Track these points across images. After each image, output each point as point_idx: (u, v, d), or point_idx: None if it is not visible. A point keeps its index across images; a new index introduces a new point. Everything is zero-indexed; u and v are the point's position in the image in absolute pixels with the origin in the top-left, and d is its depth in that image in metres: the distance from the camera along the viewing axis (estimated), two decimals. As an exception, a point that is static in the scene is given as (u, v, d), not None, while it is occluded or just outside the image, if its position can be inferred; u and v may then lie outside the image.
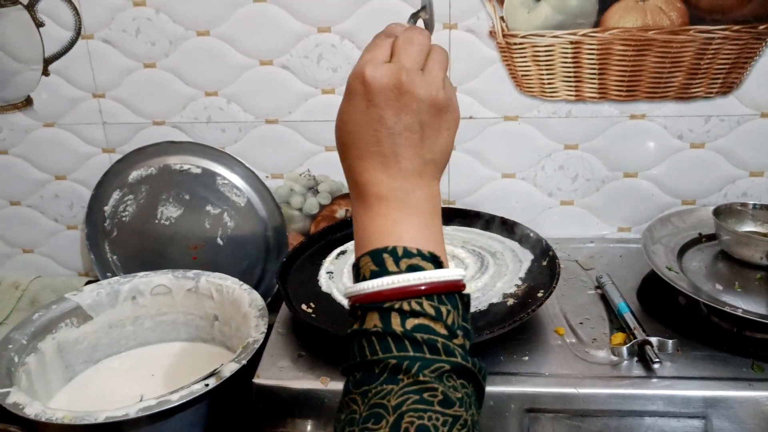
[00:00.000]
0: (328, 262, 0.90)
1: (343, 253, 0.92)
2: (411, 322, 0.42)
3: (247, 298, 0.88)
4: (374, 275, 0.43)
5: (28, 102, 1.03)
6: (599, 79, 0.95)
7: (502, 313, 0.76)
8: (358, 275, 0.45)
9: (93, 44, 0.99)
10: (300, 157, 1.03)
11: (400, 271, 0.43)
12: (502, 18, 0.93)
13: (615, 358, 0.73)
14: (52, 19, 0.98)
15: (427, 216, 0.47)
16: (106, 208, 1.05)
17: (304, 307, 0.80)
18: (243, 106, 1.01)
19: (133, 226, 1.05)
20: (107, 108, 1.03)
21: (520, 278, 0.82)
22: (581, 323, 0.79)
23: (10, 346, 0.81)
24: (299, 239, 1.08)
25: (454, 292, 0.44)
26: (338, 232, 0.98)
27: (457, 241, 0.93)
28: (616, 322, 0.79)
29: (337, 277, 0.85)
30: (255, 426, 0.73)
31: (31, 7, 0.98)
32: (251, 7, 0.95)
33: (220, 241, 1.04)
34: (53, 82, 1.01)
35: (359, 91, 0.46)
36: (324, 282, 0.85)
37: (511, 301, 0.78)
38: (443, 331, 0.42)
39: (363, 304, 0.44)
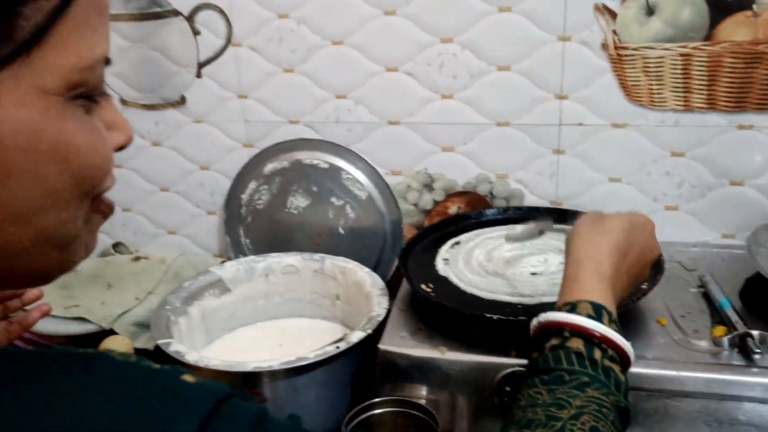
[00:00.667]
0: (444, 251, 0.99)
1: (457, 243, 1.00)
2: (607, 362, 0.56)
3: (369, 279, 0.98)
4: (591, 318, 0.57)
5: (182, 101, 1.18)
6: (708, 90, 0.99)
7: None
8: (572, 309, 0.58)
9: (240, 51, 1.12)
10: (418, 156, 1.12)
11: (610, 327, 0.57)
12: (614, 31, 0.99)
13: (716, 348, 0.77)
14: (207, 29, 1.12)
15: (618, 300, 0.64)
16: (243, 196, 1.18)
17: (423, 286, 0.88)
18: (369, 108, 1.11)
19: (265, 214, 1.17)
20: (249, 107, 1.16)
21: (626, 272, 0.88)
22: (683, 316, 0.84)
23: (168, 307, 0.94)
24: (414, 232, 1.17)
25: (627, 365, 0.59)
26: (451, 226, 1.06)
27: (564, 237, 0.99)
28: (717, 316, 0.83)
29: (452, 264, 0.94)
30: (378, 387, 0.82)
31: (190, 18, 1.12)
32: (382, 20, 1.05)
33: (341, 231, 1.15)
34: (204, 83, 1.15)
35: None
36: (441, 267, 0.93)
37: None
38: (622, 379, 0.56)
39: (573, 330, 0.57)
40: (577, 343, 0.56)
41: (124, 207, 1.28)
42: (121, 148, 0.42)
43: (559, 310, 0.59)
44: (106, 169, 0.40)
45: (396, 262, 1.10)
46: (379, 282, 0.96)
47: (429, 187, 1.14)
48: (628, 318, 0.82)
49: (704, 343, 0.79)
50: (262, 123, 1.16)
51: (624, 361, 0.58)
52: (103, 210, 0.42)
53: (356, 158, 1.13)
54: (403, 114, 1.10)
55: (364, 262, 1.13)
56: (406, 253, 0.96)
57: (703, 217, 1.06)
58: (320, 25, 1.08)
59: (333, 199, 1.14)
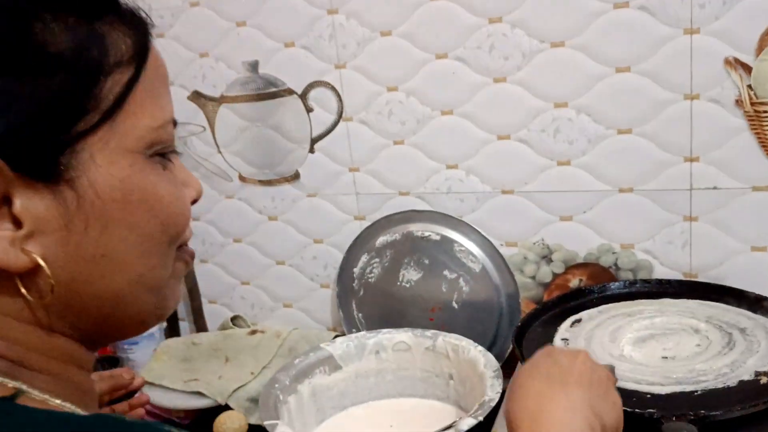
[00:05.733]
0: (563, 329, 0.92)
1: (578, 321, 0.93)
2: None
3: (482, 359, 0.92)
4: None
5: (296, 176, 1.20)
6: None
7: (755, 391, 0.71)
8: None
9: (352, 125, 1.13)
10: (534, 226, 1.07)
11: None
12: (749, 86, 0.90)
13: None
14: (319, 105, 1.14)
15: None
16: (355, 269, 1.17)
17: (539, 370, 0.81)
18: (481, 178, 1.08)
19: (377, 287, 1.16)
20: (360, 180, 1.16)
21: (776, 356, 0.77)
22: None
23: (276, 386, 0.93)
24: (532, 306, 1.11)
25: None
26: (572, 301, 0.99)
27: (700, 315, 0.89)
28: None
29: (572, 344, 0.86)
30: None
31: (304, 96, 1.15)
32: (492, 87, 1.02)
33: (455, 305, 1.11)
34: (317, 158, 1.17)
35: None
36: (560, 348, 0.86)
37: (764, 380, 0.73)
38: None
39: None
40: None
41: (243, 280, 1.30)
42: (193, 201, 0.48)
43: None
44: (187, 216, 0.46)
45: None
46: (493, 362, 0.91)
47: (547, 258, 1.08)
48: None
49: None
50: (373, 196, 1.16)
51: None
52: (186, 258, 0.47)
53: (469, 229, 1.09)
54: (517, 183, 1.06)
55: (479, 337, 1.08)
56: (521, 332, 0.90)
57: None
58: (429, 96, 1.07)
59: (446, 272, 1.10)
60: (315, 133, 1.16)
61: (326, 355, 1.01)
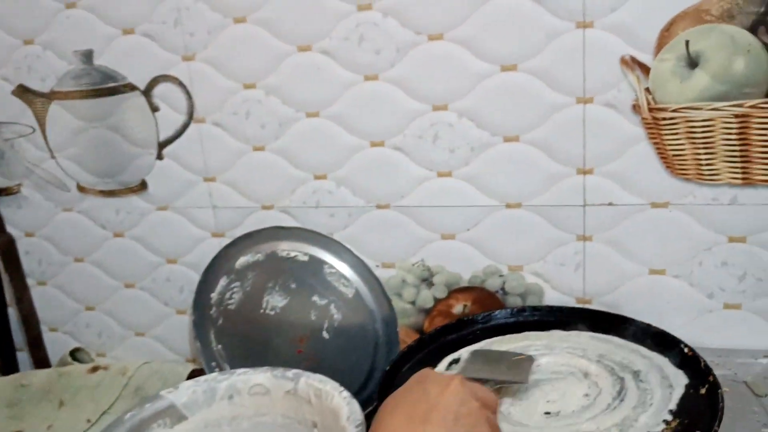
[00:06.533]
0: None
1: (455, 362, 0.80)
2: None
3: (345, 409, 0.78)
4: None
5: (143, 185, 1.02)
6: (773, 158, 0.78)
7: (647, 463, 0.60)
8: None
9: (204, 128, 0.97)
10: (413, 245, 0.94)
11: None
12: (647, 90, 0.79)
13: None
14: (166, 104, 0.97)
15: None
16: (213, 294, 1.01)
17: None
18: (353, 190, 0.93)
19: (239, 315, 1.00)
20: (217, 191, 0.99)
21: (671, 411, 0.66)
22: (756, 477, 0.62)
23: (96, 451, 0.77)
24: (412, 336, 0.98)
25: None
26: (454, 333, 0.86)
27: (592, 352, 0.78)
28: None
29: (445, 394, 0.73)
30: None
31: (147, 93, 0.97)
32: (362, 86, 0.88)
33: (326, 334, 0.96)
34: (167, 165, 1.00)
35: None
36: (430, 399, 0.73)
37: (659, 445, 0.62)
38: None
39: None
40: None
41: (87, 305, 1.12)
42: None
43: None
44: None
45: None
46: (357, 414, 0.76)
47: (428, 282, 0.95)
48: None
49: None
50: (232, 209, 1.00)
51: None
52: None
53: (340, 249, 0.95)
54: (394, 196, 0.92)
55: (354, 369, 0.95)
56: (387, 380, 0.76)
57: (776, 318, 0.83)
58: (292, 95, 0.91)
59: (315, 298, 0.96)
60: (162, 137, 0.99)
61: (166, 405, 0.84)
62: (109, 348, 1.13)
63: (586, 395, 0.70)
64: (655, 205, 0.83)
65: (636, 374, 0.74)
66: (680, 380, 0.71)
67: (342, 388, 0.82)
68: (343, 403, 0.79)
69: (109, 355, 1.13)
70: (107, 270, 1.09)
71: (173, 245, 1.04)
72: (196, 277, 1.02)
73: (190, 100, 0.96)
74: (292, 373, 0.87)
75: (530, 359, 0.72)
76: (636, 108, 0.80)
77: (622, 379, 0.73)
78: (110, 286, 1.09)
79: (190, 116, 0.97)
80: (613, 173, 0.83)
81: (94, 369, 1.05)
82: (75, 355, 1.10)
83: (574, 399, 0.69)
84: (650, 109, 0.79)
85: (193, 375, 1.03)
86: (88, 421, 0.96)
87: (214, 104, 0.95)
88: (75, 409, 0.99)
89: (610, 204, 0.84)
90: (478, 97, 0.84)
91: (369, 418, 0.73)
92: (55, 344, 1.15)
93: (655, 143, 0.81)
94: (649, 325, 0.79)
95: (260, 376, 0.88)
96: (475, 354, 0.76)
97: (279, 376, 0.87)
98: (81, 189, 1.06)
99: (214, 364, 1.01)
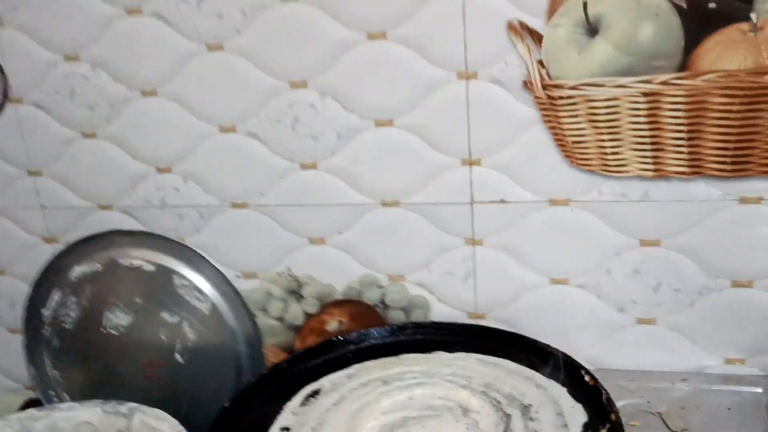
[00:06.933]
0: (290, 410, 0.64)
1: (315, 394, 0.66)
2: None
3: (177, 457, 0.64)
4: None
5: (-44, 181, 0.86)
6: (689, 146, 0.66)
7: None
8: None
9: (23, 110, 0.81)
10: (278, 252, 0.80)
11: None
12: (540, 62, 0.65)
13: None
14: (-24, 81, 0.80)
15: None
16: (44, 311, 0.85)
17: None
18: (203, 186, 0.79)
19: (76, 336, 0.85)
20: (45, 187, 0.84)
21: (559, 465, 0.53)
22: None
23: None
24: (282, 355, 0.84)
25: None
26: (320, 357, 0.72)
27: (477, 381, 0.65)
28: None
29: (292, 439, 0.59)
30: None
31: (-48, 67, 0.80)
32: (206, 58, 0.73)
33: (179, 358, 0.82)
34: (-18, 156, 0.83)
35: None
36: (270, 447, 0.59)
37: None
38: None
39: None
40: None
41: None
42: None
43: None
44: None
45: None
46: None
47: (297, 294, 0.81)
48: None
49: None
50: (64, 209, 0.84)
51: None
52: None
53: (193, 256, 0.81)
54: (251, 193, 0.78)
55: (214, 397, 0.83)
56: (229, 416, 0.62)
57: (695, 335, 0.74)
58: (122, 70, 0.77)
59: (165, 315, 0.82)
60: (-26, 121, 0.82)
61: (-41, 456, 0.70)
62: (-68, 374, 0.96)
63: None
64: (554, 203, 0.71)
65: (526, 410, 0.61)
66: (577, 419, 0.59)
67: (181, 428, 0.69)
68: (177, 450, 0.65)
69: (-66, 382, 0.96)
70: (-76, 282, 0.92)
71: (-1, 253, 0.88)
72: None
73: (3, 75, 0.79)
74: (126, 407, 0.74)
75: None
76: (528, 85, 0.67)
77: (508, 417, 0.60)
78: (-71, 301, 0.93)
79: (5, 95, 0.80)
80: (503, 164, 0.71)
81: None
82: None
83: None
84: (544, 86, 0.66)
85: (29, 405, 0.88)
86: None
87: (31, 81, 0.80)
88: None
89: (501, 201, 0.72)
90: (342, 72, 0.71)
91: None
92: None
93: (552, 128, 0.68)
94: (546, 346, 0.67)
95: (88, 412, 0.75)
96: None
97: (110, 411, 0.74)
98: None
99: (51, 392, 0.87)
